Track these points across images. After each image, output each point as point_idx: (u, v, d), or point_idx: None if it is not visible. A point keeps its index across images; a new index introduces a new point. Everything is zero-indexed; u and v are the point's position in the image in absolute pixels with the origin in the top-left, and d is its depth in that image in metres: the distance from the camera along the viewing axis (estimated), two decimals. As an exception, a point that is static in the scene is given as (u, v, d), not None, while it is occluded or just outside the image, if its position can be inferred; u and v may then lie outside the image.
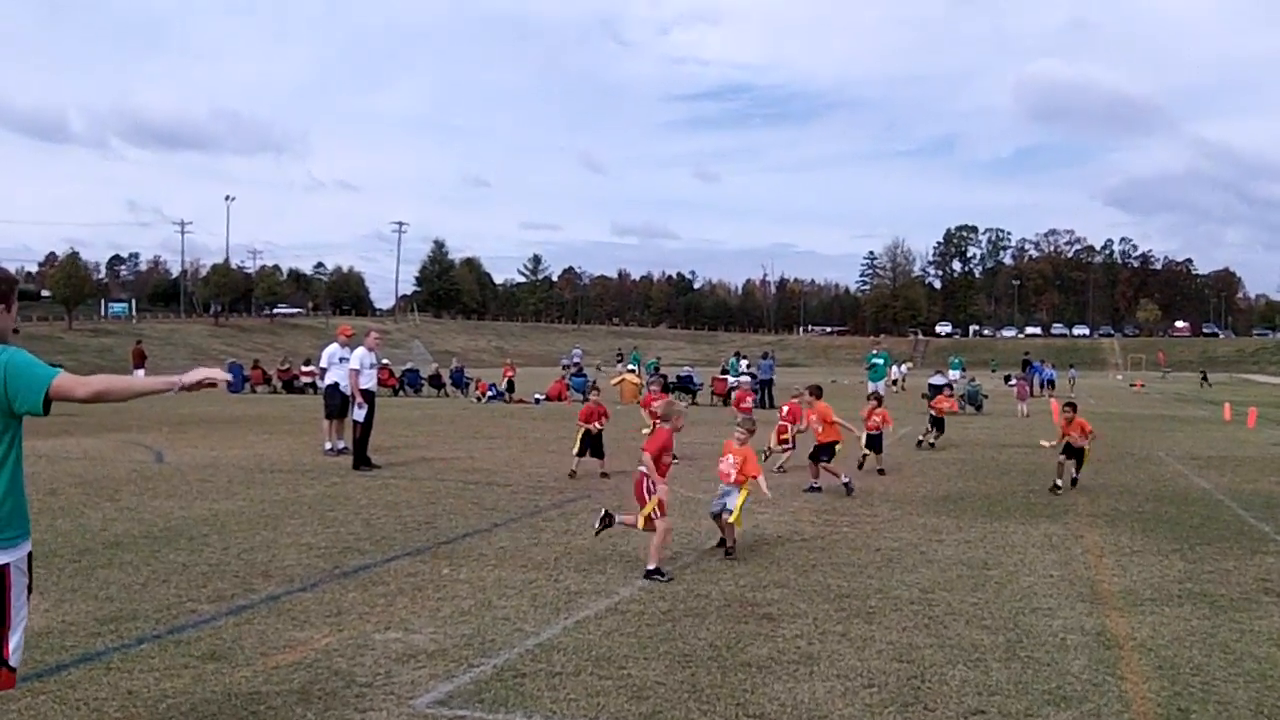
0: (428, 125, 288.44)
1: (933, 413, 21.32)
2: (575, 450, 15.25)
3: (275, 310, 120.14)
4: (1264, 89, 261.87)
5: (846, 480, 13.96)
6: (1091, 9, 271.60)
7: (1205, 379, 68.97)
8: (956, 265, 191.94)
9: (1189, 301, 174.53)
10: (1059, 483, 14.30)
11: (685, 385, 38.47)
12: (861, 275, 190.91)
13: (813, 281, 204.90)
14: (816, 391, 14.93)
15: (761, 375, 35.82)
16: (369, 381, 16.39)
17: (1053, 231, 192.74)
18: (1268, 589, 8.64)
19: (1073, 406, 15.09)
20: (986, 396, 35.33)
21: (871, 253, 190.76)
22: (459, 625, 7.06)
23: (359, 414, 16.01)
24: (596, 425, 15.37)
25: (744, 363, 42.00)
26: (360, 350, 16.55)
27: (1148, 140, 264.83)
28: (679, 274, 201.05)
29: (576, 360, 78.15)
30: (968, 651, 6.64)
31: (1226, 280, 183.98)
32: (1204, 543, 10.72)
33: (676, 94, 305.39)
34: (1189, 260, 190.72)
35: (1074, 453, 14.51)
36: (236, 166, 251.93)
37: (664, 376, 39.11)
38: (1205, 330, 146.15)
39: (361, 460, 15.74)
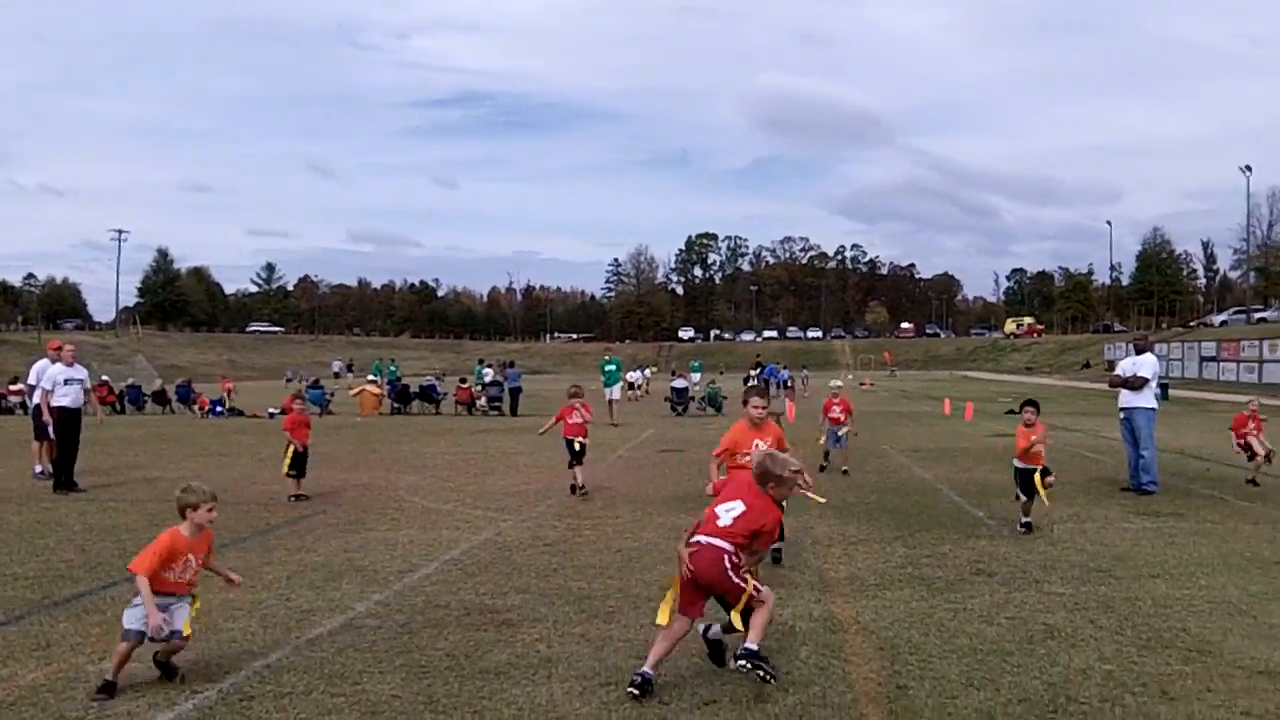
0: (143, 130, 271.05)
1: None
2: (286, 469, 14.19)
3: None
4: (978, 105, 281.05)
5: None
6: (816, 23, 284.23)
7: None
8: (698, 272, 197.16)
9: (914, 304, 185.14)
10: None
11: (429, 395, 37.97)
12: (607, 282, 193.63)
13: (559, 289, 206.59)
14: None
15: (510, 384, 35.79)
16: (66, 399, 15.31)
17: (788, 239, 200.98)
18: (980, 570, 9.23)
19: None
20: (725, 398, 36.43)
21: (616, 260, 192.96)
22: (181, 652, 6.68)
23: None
24: (303, 442, 14.28)
25: (489, 371, 41.83)
26: (55, 367, 15.53)
27: (873, 152, 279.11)
28: (422, 282, 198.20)
29: (336, 371, 76.07)
30: (701, 645, 6.77)
31: (947, 284, 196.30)
32: (923, 529, 11.34)
33: (416, 100, 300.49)
34: (913, 265, 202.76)
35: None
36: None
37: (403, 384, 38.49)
38: (928, 331, 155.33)
39: (62, 483, 14.76)
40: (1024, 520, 11.24)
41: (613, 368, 31.73)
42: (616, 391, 31.31)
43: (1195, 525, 11.55)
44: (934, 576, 8.95)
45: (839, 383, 19.84)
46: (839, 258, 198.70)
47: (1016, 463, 11.49)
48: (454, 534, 11.17)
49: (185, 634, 6.13)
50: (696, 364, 54.26)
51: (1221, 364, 57.46)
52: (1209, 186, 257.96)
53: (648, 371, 60.50)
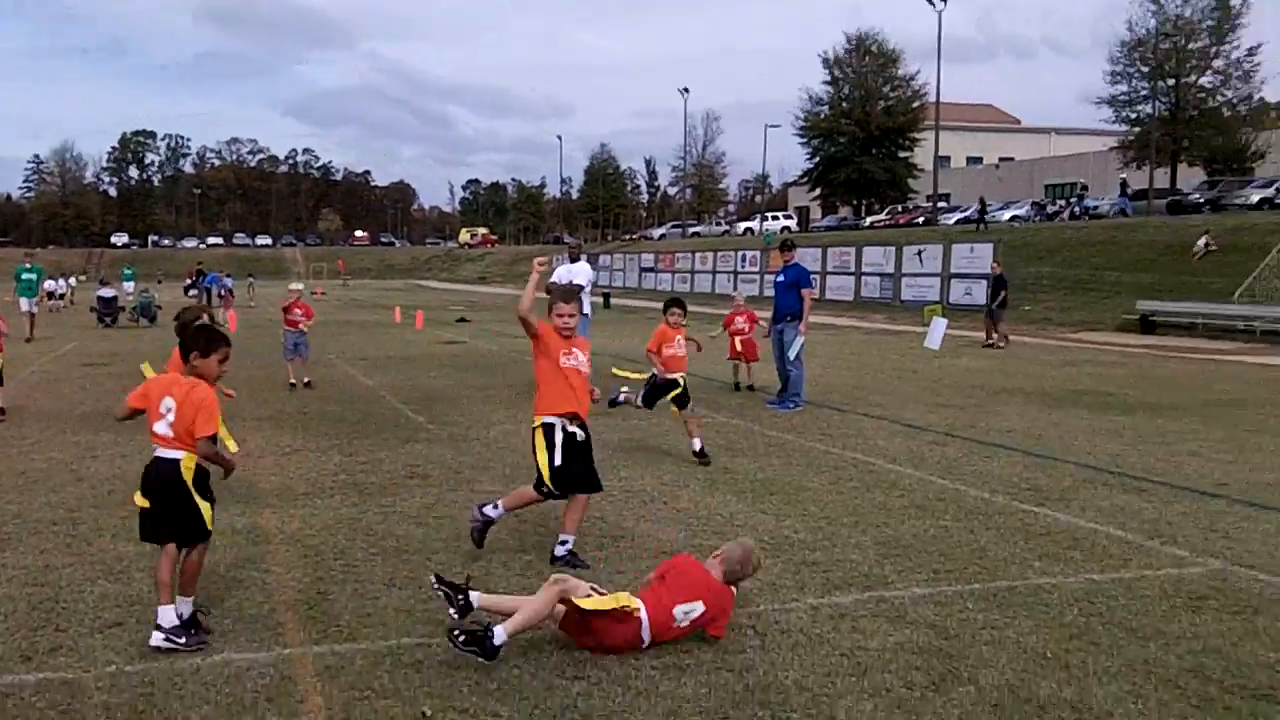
0: None
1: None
2: None
3: None
4: (436, 13, 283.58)
5: None
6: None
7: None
8: (134, 172, 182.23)
9: (369, 213, 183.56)
10: None
11: None
12: (26, 182, 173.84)
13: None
14: None
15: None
16: None
17: (235, 140, 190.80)
18: (414, 473, 9.38)
19: None
20: (160, 308, 34.30)
21: (37, 157, 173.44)
22: None
23: None
24: None
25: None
26: None
27: (328, 54, 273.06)
28: None
29: None
30: (110, 566, 6.36)
31: (403, 192, 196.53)
32: (362, 437, 11.32)
33: None
34: (368, 172, 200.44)
35: None
36: None
37: None
38: (383, 240, 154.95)
39: None
40: (696, 449, 10.16)
41: (32, 276, 28.57)
42: (34, 305, 28.26)
43: (622, 423, 12.31)
44: (367, 482, 8.96)
45: (299, 285, 18.49)
46: (290, 162, 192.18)
47: (657, 370, 10.42)
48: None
49: None
50: (129, 271, 50.52)
51: (659, 274, 62.59)
52: (653, 106, 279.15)
53: (71, 280, 55.21)
